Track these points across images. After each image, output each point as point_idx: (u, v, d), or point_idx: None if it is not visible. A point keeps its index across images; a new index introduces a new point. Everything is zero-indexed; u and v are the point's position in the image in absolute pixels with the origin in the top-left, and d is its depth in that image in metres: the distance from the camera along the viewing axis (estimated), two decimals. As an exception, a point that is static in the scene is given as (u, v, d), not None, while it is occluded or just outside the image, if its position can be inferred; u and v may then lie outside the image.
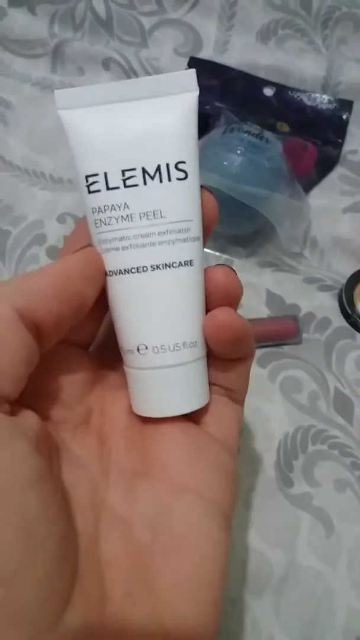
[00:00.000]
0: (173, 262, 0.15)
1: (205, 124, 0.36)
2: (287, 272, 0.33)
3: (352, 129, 0.37)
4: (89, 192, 0.15)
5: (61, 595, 0.12)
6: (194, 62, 0.38)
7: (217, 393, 0.17)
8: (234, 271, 0.15)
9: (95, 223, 0.15)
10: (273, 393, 0.29)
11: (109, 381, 0.17)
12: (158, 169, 0.14)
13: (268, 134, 0.32)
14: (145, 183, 0.14)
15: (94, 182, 0.15)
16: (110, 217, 0.15)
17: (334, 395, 0.29)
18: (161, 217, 0.14)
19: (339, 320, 0.32)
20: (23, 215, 0.34)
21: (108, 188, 0.14)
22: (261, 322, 0.31)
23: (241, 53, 0.40)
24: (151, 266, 0.15)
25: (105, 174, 0.14)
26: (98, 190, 0.15)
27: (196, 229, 0.15)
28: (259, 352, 0.30)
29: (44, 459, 0.13)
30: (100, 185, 0.15)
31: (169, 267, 0.15)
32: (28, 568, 0.11)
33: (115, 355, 0.16)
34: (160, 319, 0.15)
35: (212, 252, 0.34)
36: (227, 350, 0.15)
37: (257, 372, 0.30)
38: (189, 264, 0.15)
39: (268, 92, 0.38)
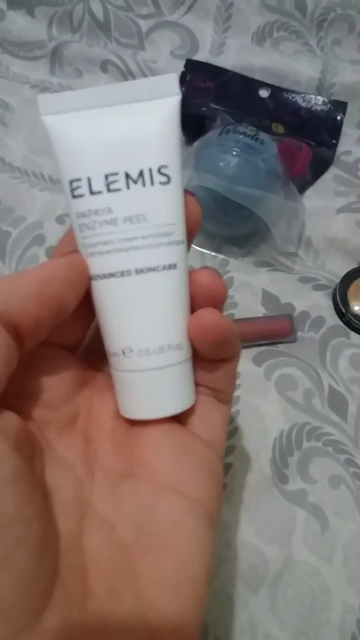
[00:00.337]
0: (157, 266, 0.15)
1: (201, 125, 0.36)
2: (283, 272, 0.34)
3: (346, 129, 0.38)
4: (73, 196, 0.15)
5: (40, 593, 0.12)
6: (190, 64, 0.38)
7: (203, 394, 0.17)
8: (219, 274, 0.16)
9: (80, 227, 0.15)
10: (268, 391, 0.29)
11: (96, 383, 0.17)
12: (141, 173, 0.14)
13: (263, 135, 0.33)
14: (128, 187, 0.14)
15: (77, 187, 0.15)
16: (94, 222, 0.15)
17: (328, 393, 0.29)
18: (145, 221, 0.15)
19: (333, 319, 0.32)
20: (23, 217, 0.35)
21: (92, 192, 0.15)
22: (257, 321, 0.31)
23: (237, 55, 0.40)
24: (135, 270, 0.15)
25: (89, 179, 0.15)
26: (82, 195, 0.15)
27: (180, 233, 0.15)
28: (254, 351, 0.31)
29: (24, 458, 0.13)
30: (84, 190, 0.15)
31: (153, 270, 0.15)
32: (5, 566, 0.11)
33: (103, 358, 0.16)
34: (145, 322, 0.15)
35: (208, 252, 0.34)
36: (212, 351, 0.15)
37: (252, 370, 0.30)
38: (173, 267, 0.15)
39: (263, 93, 0.38)
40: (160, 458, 0.15)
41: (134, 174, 0.14)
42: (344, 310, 0.31)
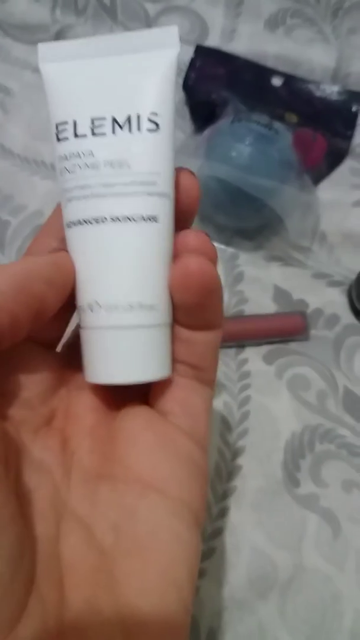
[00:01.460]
0: (134, 215, 0.14)
1: (211, 112, 0.35)
2: (295, 267, 0.33)
3: (361, 121, 0.37)
4: (58, 139, 0.15)
5: (15, 603, 0.11)
6: (200, 50, 0.37)
7: (184, 375, 0.15)
8: (208, 235, 0.15)
9: (61, 172, 0.15)
10: (280, 391, 0.28)
11: (75, 381, 0.16)
12: (128, 119, 0.14)
13: (277, 125, 0.31)
14: (114, 132, 0.14)
15: (63, 130, 0.14)
16: (75, 165, 0.14)
17: (342, 394, 0.29)
18: (127, 167, 0.14)
19: (348, 317, 0.31)
20: (23, 205, 0.34)
21: (76, 136, 0.14)
22: (268, 317, 0.30)
23: (249, 41, 0.39)
24: (111, 217, 0.14)
25: (75, 122, 0.14)
26: (66, 138, 0.14)
27: (164, 185, 0.14)
28: (265, 349, 0.30)
29: None
30: (69, 133, 0.14)
31: (130, 220, 0.14)
32: None
33: (80, 356, 0.15)
34: (115, 275, 0.14)
35: (217, 244, 0.33)
36: (194, 304, 0.14)
37: (263, 369, 0.29)
38: (152, 219, 0.14)
39: (276, 82, 0.37)
40: (138, 456, 0.14)
41: (121, 119, 0.14)
42: (359, 308, 0.30)
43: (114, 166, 0.14)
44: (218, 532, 0.25)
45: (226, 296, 0.31)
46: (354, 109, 0.36)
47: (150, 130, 0.14)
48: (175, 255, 0.14)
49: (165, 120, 0.14)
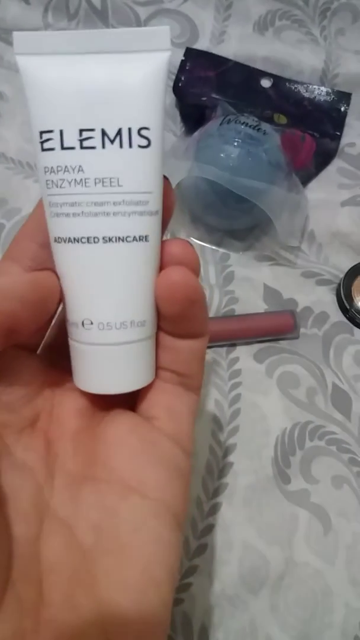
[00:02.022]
0: (127, 236, 0.14)
1: (201, 115, 0.36)
2: (285, 266, 0.33)
3: (350, 121, 0.37)
4: (42, 149, 0.14)
5: None
6: (190, 53, 0.38)
7: (168, 381, 0.16)
8: (192, 245, 0.15)
9: (47, 184, 0.14)
10: (270, 388, 0.29)
11: (58, 383, 0.16)
12: (119, 132, 0.13)
13: (265, 126, 0.32)
14: (103, 146, 0.13)
15: (48, 139, 0.14)
16: (63, 180, 0.14)
17: (331, 391, 0.29)
18: (118, 185, 0.13)
19: (337, 315, 0.31)
20: (17, 209, 0.34)
21: (63, 147, 0.13)
22: (258, 316, 0.30)
23: (238, 44, 0.39)
24: (103, 238, 0.14)
25: (61, 132, 0.13)
26: (52, 149, 0.14)
27: (155, 203, 0.14)
28: (255, 347, 0.30)
29: None
30: (55, 143, 0.13)
31: (123, 240, 0.14)
32: None
33: (65, 357, 0.16)
34: (108, 295, 0.14)
35: (208, 245, 0.33)
36: (177, 315, 0.14)
37: (254, 367, 0.29)
38: (144, 239, 0.14)
39: (265, 83, 0.37)
40: (122, 459, 0.14)
41: (112, 133, 0.13)
42: (348, 306, 0.31)
43: (105, 184, 0.13)
44: (209, 529, 0.25)
45: (217, 296, 0.32)
46: (342, 109, 0.36)
47: (141, 147, 0.14)
48: (161, 262, 0.15)
49: (155, 135, 0.14)
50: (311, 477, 0.26)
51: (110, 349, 0.14)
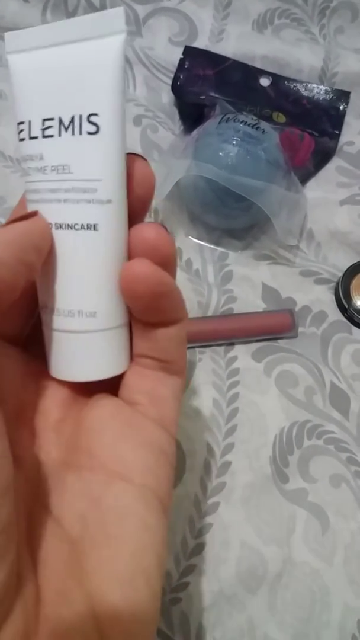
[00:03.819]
0: (75, 224, 0.14)
1: (200, 114, 0.36)
2: (283, 265, 0.33)
3: (349, 119, 0.37)
4: (19, 139, 0.15)
5: (5, 607, 0.11)
6: (188, 51, 0.37)
7: (150, 367, 0.15)
8: (166, 229, 0.14)
9: (22, 172, 0.15)
10: (269, 387, 0.29)
11: (41, 374, 0.16)
12: (72, 120, 0.14)
13: (264, 125, 0.32)
14: (60, 134, 0.14)
15: (21, 130, 0.14)
16: (30, 168, 0.14)
17: (330, 390, 0.29)
18: (69, 172, 0.14)
19: (335, 314, 0.31)
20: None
21: (30, 137, 0.14)
22: (257, 315, 0.30)
23: (237, 42, 0.39)
24: (55, 224, 0.14)
25: (30, 122, 0.14)
26: (23, 139, 0.14)
27: (106, 191, 0.14)
28: (254, 346, 0.30)
29: None
30: (25, 133, 0.14)
31: (71, 228, 0.14)
32: None
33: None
34: (58, 281, 0.14)
35: (206, 244, 0.33)
36: (143, 307, 0.14)
37: (252, 366, 0.29)
38: (92, 228, 0.14)
39: (264, 82, 0.37)
40: (105, 444, 0.14)
41: (66, 121, 0.14)
42: (346, 305, 0.31)
43: (59, 171, 0.14)
44: (207, 528, 0.25)
45: (215, 295, 0.31)
46: (341, 108, 0.36)
47: (90, 133, 0.14)
48: (133, 247, 0.14)
49: (106, 121, 0.14)
50: (309, 476, 0.26)
51: (67, 336, 0.14)
